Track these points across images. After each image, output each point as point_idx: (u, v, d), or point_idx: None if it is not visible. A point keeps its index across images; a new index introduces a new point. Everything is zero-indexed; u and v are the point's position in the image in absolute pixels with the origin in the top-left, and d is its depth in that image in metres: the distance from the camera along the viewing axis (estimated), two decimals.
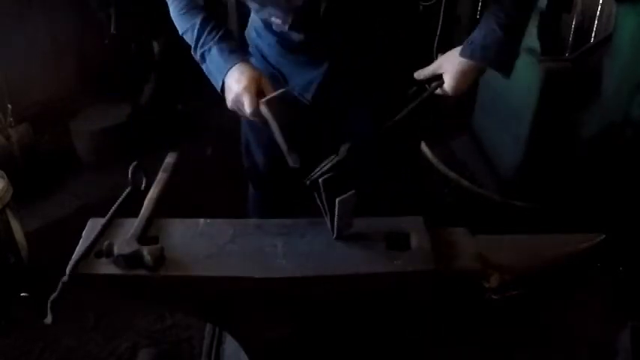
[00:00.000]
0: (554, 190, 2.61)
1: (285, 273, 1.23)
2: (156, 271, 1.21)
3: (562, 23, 2.92)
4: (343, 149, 1.33)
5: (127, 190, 1.41)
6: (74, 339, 2.18)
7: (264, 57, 1.68)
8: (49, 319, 1.18)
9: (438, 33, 3.73)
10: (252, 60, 1.69)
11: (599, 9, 2.81)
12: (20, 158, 2.92)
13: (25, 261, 2.38)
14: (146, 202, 1.37)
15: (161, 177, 1.44)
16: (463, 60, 1.48)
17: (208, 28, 1.48)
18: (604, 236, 1.36)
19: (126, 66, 3.46)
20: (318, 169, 1.32)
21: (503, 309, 2.12)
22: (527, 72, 2.59)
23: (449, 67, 1.50)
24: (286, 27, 1.48)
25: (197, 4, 1.50)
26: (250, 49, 1.73)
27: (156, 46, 3.64)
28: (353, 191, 1.25)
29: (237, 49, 1.48)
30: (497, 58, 1.46)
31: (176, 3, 1.53)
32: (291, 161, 1.36)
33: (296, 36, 1.53)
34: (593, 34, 2.86)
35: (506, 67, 1.48)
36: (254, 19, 1.69)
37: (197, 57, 1.51)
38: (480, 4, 3.64)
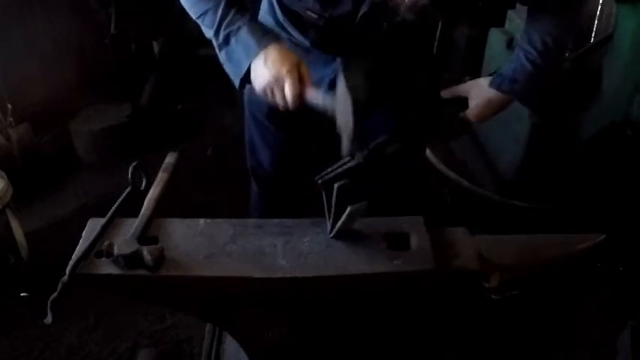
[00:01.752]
0: (554, 190, 2.61)
1: (285, 273, 1.23)
2: (156, 271, 1.21)
3: None
4: (360, 155, 1.28)
5: (127, 190, 1.41)
6: (74, 339, 2.18)
7: None
8: (49, 319, 1.18)
9: (437, 33, 3.73)
10: None
11: (599, 9, 2.81)
12: (20, 158, 2.92)
13: (25, 261, 2.38)
14: (146, 202, 1.37)
15: (161, 177, 1.44)
16: (491, 90, 1.50)
17: (235, 9, 1.36)
18: (604, 236, 1.36)
19: (126, 66, 3.46)
20: (331, 169, 1.28)
21: (503, 309, 2.13)
22: None
23: (476, 94, 1.53)
24: (321, 22, 1.43)
25: None
26: None
27: (156, 46, 3.64)
28: (365, 202, 1.21)
29: (271, 31, 1.39)
30: (524, 92, 1.49)
31: None
32: (347, 150, 1.22)
33: (314, 34, 1.51)
34: (593, 34, 2.86)
35: (530, 102, 1.50)
36: (264, 18, 1.67)
37: (219, 39, 1.38)
38: (479, 3, 3.64)
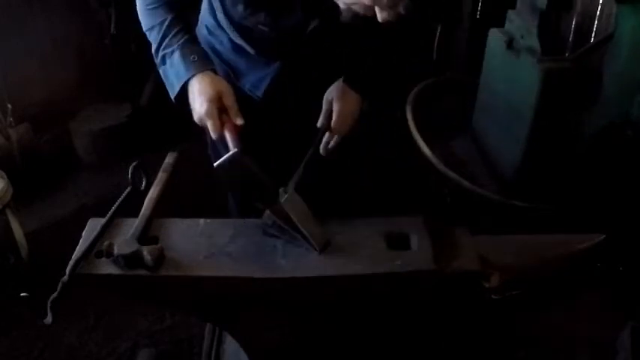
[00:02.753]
0: (554, 190, 2.61)
1: (285, 273, 1.23)
2: (156, 271, 1.21)
3: (562, 23, 2.92)
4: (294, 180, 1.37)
5: (127, 190, 1.41)
6: (74, 339, 2.18)
7: (216, 54, 1.67)
8: (49, 319, 1.18)
9: (437, 33, 3.73)
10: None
11: (599, 9, 2.81)
12: (20, 158, 2.92)
13: (25, 261, 2.38)
14: (146, 202, 1.37)
15: (161, 177, 1.44)
16: (340, 85, 1.54)
17: (175, 30, 1.41)
18: (604, 236, 1.36)
19: (126, 66, 3.45)
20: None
21: (504, 309, 2.13)
22: (527, 72, 2.59)
23: (335, 98, 1.54)
24: (272, 35, 1.48)
25: (165, 2, 1.43)
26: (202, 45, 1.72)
27: None
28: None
29: (202, 57, 1.42)
30: (362, 83, 1.54)
31: None
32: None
33: (261, 44, 1.54)
34: (593, 34, 2.86)
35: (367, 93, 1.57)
36: (205, 18, 1.67)
37: (157, 58, 1.45)
38: (480, 4, 3.64)
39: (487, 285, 1.30)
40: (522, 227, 1.45)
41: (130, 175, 1.41)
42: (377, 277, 1.24)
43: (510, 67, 2.74)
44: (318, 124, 1.55)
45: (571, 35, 2.94)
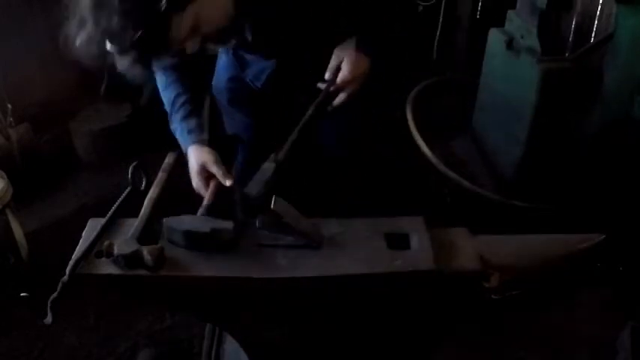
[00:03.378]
0: (554, 190, 2.61)
1: (285, 273, 1.23)
2: (156, 271, 1.21)
3: (562, 23, 2.92)
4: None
5: (127, 190, 1.41)
6: (74, 339, 2.18)
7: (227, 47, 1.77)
8: (49, 319, 1.18)
9: (437, 33, 3.73)
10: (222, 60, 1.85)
11: (599, 9, 2.81)
12: (20, 158, 2.92)
13: (25, 261, 2.38)
14: (146, 202, 1.37)
15: (161, 177, 1.44)
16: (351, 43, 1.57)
17: (177, 106, 1.55)
18: (604, 236, 1.36)
19: None
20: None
21: (504, 309, 2.13)
22: (527, 72, 2.59)
23: (344, 54, 1.57)
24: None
25: (172, 80, 1.56)
26: None
27: None
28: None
29: (195, 128, 1.52)
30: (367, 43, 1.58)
31: (159, 79, 1.60)
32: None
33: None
34: (593, 34, 2.86)
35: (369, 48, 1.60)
36: None
37: (171, 129, 1.59)
38: (479, 4, 3.64)
39: (487, 285, 1.30)
40: (522, 227, 1.44)
41: (130, 175, 1.41)
42: (377, 277, 1.24)
43: (510, 67, 2.74)
44: (326, 77, 1.57)
45: (571, 35, 2.95)
